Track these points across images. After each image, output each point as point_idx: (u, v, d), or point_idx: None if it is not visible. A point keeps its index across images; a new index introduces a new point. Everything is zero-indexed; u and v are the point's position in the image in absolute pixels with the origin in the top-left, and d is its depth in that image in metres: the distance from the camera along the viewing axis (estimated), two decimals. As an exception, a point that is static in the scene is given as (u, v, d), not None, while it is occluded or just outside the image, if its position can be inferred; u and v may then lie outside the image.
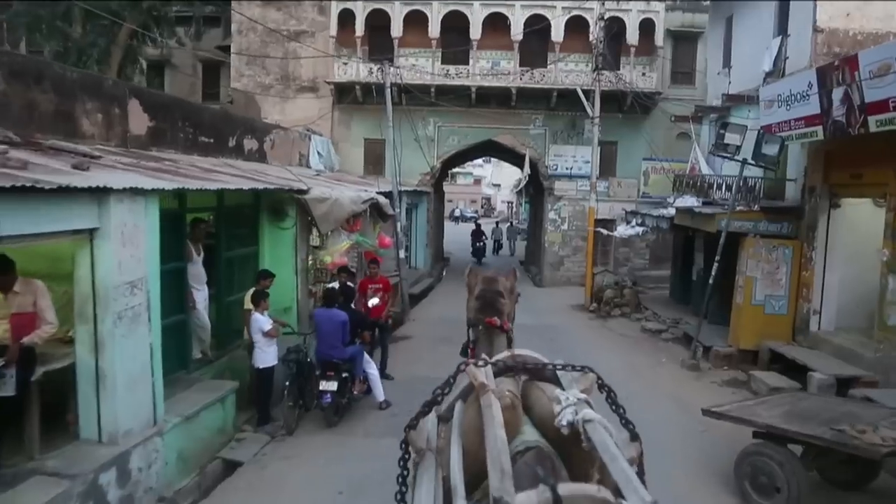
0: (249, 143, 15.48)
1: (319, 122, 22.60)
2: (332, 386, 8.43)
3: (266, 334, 8.38)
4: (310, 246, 12.44)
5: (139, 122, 9.97)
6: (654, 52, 21.64)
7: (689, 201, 15.05)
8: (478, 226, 31.93)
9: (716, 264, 11.67)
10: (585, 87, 19.18)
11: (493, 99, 22.02)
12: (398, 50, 21.76)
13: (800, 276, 11.68)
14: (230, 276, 10.01)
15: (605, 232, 18.73)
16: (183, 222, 8.53)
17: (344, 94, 22.23)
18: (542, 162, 22.43)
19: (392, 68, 19.05)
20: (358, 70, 21.29)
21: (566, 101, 21.73)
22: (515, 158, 25.42)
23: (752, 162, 10.87)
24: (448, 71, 21.41)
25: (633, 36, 21.05)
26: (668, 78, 22.21)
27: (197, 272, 8.67)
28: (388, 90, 16.66)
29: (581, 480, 2.30)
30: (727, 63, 16.12)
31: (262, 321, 8.39)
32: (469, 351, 4.24)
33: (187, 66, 28.99)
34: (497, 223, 36.46)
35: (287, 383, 8.52)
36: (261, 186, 8.97)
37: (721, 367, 11.97)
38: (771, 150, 10.39)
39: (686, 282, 16.99)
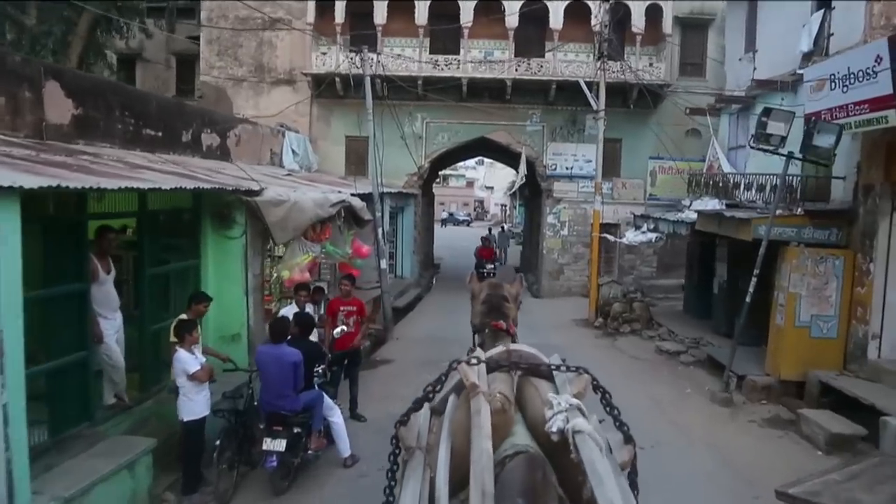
0: (209, 139, 13.58)
1: (297, 117, 20.67)
2: (280, 445, 6.46)
3: (192, 377, 6.41)
4: (269, 258, 10.60)
5: (60, 108, 8.09)
6: (661, 41, 19.81)
7: (711, 204, 13.20)
8: (485, 241, 24.79)
9: (754, 279, 9.75)
10: (588, 79, 17.31)
11: (485, 92, 20.13)
12: (382, 39, 19.86)
13: (852, 292, 9.80)
14: (160, 298, 8.08)
15: (611, 238, 16.85)
16: (82, 232, 6.57)
17: (323, 87, 20.27)
18: (540, 161, 20.54)
19: (373, 56, 17.20)
20: (338, 60, 19.33)
21: (566, 95, 19.90)
22: (510, 158, 23.56)
23: (801, 156, 8.98)
24: (437, 61, 19.52)
25: (638, 23, 19.20)
26: (677, 69, 20.34)
27: (104, 295, 6.73)
28: (367, 79, 14.75)
29: (571, 487, 2.31)
30: (751, 47, 14.25)
31: (187, 360, 6.42)
32: None
33: (160, 61, 26.99)
34: (490, 228, 33.44)
35: (218, 441, 6.55)
36: (190, 185, 7.02)
37: (758, 401, 10.07)
38: (825, 140, 8.48)
39: (704, 295, 15.10)
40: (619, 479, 2.39)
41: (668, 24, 19.41)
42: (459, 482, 2.28)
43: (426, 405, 2.96)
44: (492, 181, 75.03)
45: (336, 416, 7.35)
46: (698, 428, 9.13)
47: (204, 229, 8.58)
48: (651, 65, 19.23)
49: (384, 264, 14.64)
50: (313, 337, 8.46)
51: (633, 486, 2.66)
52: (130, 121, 9.82)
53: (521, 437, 2.56)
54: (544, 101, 20.18)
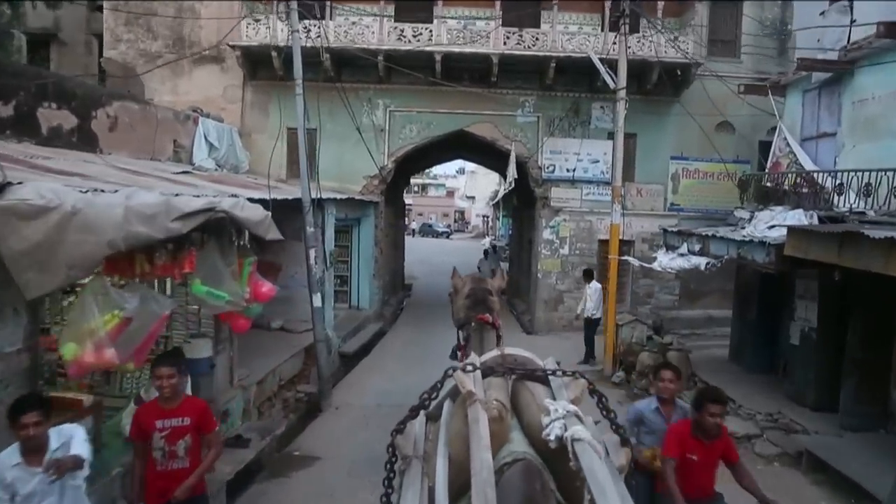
0: (55, 118, 9.25)
1: (225, 104, 16.36)
2: None
3: None
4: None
5: None
6: (687, 12, 15.74)
7: (793, 217, 9.01)
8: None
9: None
10: (599, 55, 13.15)
11: (465, 73, 15.81)
12: (333, 5, 15.58)
13: None
14: None
15: (636, 263, 12.59)
16: None
17: (259, 65, 15.97)
18: (534, 161, 16.24)
19: (315, 22, 12.97)
20: (275, 30, 14.96)
21: (567, 78, 15.80)
22: (496, 159, 19.32)
23: None
24: (403, 32, 15.18)
25: (660, -13, 15.07)
26: (705, 48, 16.20)
27: None
28: (295, 35, 10.38)
29: (569, 492, 2.33)
30: (843, -6, 10.06)
31: None
32: (458, 352, 4.23)
33: (79, 42, 22.61)
34: (485, 251, 27.68)
35: None
36: None
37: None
38: None
39: (765, 342, 10.97)
40: (619, 486, 2.36)
41: (697, -10, 15.33)
42: (458, 490, 2.30)
43: (422, 412, 2.96)
44: (473, 191, 71.12)
45: None
46: None
47: None
48: (676, 38, 15.03)
49: (318, 300, 10.21)
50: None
51: (630, 489, 2.55)
52: None
53: (518, 444, 2.55)
54: (540, 84, 15.94)
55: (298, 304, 11.59)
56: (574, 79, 15.81)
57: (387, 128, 16.20)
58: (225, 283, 6.54)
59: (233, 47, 15.36)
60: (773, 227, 9.08)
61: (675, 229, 12.19)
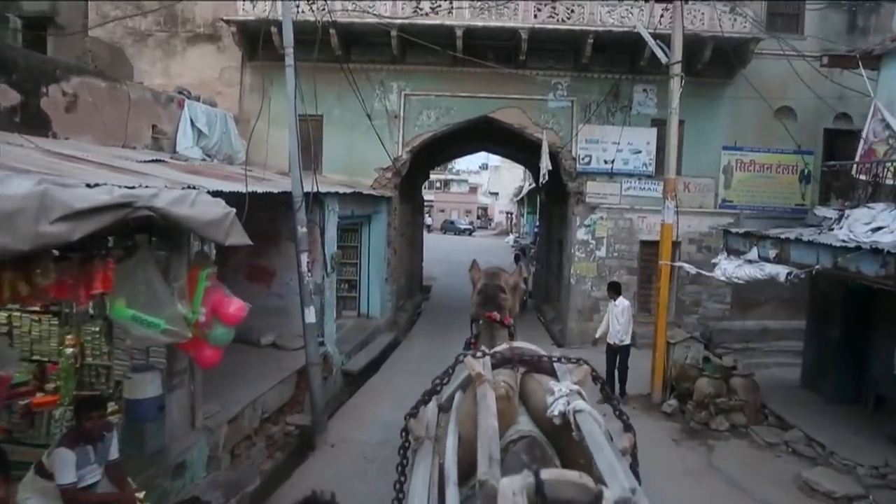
0: (-10, 93, 7.54)
1: (222, 87, 14.73)
2: None
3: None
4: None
5: None
6: (744, -21, 13.74)
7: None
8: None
9: None
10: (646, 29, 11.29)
11: (490, 51, 13.96)
12: (341, -25, 13.85)
13: None
14: None
15: (692, 270, 10.68)
16: None
17: (258, 44, 14.14)
18: (567, 151, 14.37)
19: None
20: (275, 3, 13.25)
21: (606, 57, 13.96)
22: (523, 150, 17.51)
23: None
24: (419, 3, 13.38)
25: (713, -50, 13.09)
26: (764, 22, 14.17)
27: None
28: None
29: (573, 469, 2.25)
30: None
31: None
32: (471, 345, 4.18)
33: (77, 26, 21.16)
34: (516, 256, 25.12)
35: None
36: None
37: None
38: None
39: (850, 366, 9.06)
40: (618, 455, 2.42)
41: (757, -47, 13.33)
42: (467, 471, 2.30)
43: (434, 399, 3.09)
44: (497, 186, 69.38)
45: None
46: None
47: None
48: (733, 10, 13.04)
49: (311, 315, 8.45)
50: None
51: (635, 475, 2.59)
52: None
53: (524, 425, 2.66)
54: (574, 64, 14.07)
55: (294, 316, 9.85)
56: (613, 58, 13.94)
57: (401, 114, 14.42)
58: (164, 305, 4.83)
59: (228, 22, 13.69)
60: (877, 229, 7.16)
61: (739, 230, 10.20)
